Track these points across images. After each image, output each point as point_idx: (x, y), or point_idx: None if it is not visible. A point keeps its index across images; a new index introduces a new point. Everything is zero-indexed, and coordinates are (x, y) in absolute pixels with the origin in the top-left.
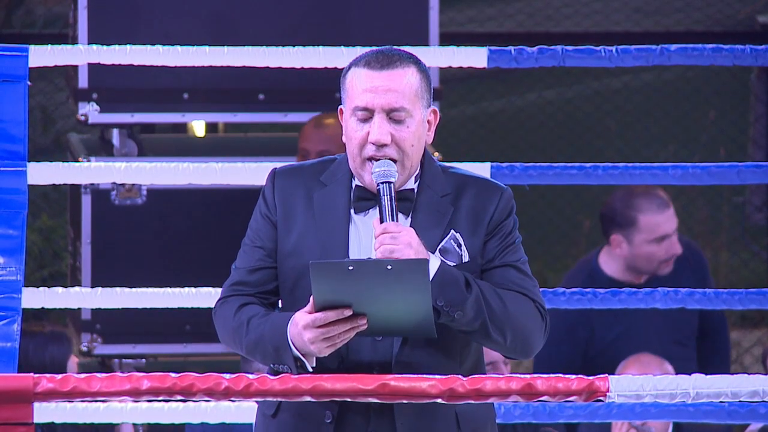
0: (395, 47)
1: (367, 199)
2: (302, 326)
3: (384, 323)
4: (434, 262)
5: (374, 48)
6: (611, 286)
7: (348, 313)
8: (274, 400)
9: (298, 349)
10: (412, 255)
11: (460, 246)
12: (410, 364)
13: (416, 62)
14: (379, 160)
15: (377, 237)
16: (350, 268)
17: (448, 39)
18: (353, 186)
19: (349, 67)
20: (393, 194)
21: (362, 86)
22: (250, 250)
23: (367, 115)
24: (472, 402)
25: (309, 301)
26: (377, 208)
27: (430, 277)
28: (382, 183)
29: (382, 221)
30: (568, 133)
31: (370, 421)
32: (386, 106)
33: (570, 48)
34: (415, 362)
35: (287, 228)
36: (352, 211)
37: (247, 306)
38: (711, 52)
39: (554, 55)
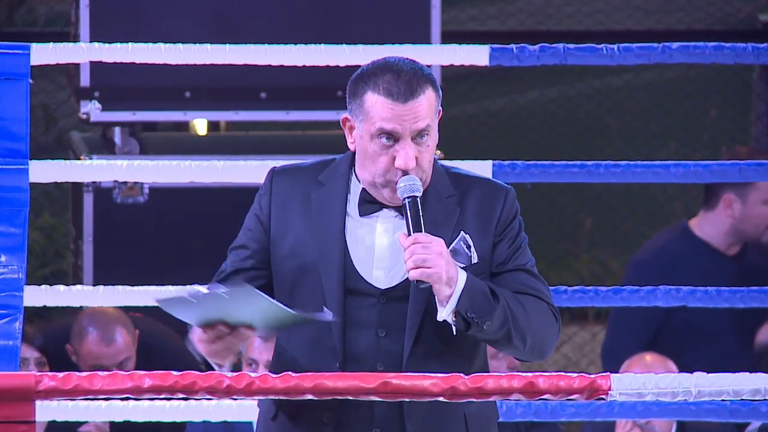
0: (406, 59)
1: (371, 202)
2: (196, 341)
3: (269, 325)
4: (462, 275)
5: (385, 62)
6: (706, 251)
7: (224, 330)
8: (274, 402)
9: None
10: (443, 265)
11: (469, 247)
12: (420, 369)
13: (429, 79)
14: None
15: (407, 248)
16: (193, 300)
17: (449, 37)
18: (359, 188)
19: (364, 87)
20: (420, 208)
21: (386, 114)
22: (235, 249)
23: (391, 138)
24: (478, 402)
25: (308, 302)
26: (405, 221)
27: (458, 293)
28: (408, 197)
29: (409, 234)
30: (569, 131)
31: (374, 420)
32: (414, 129)
33: (572, 46)
34: (425, 368)
35: (283, 229)
36: (350, 208)
37: None
38: (713, 51)
39: (556, 54)
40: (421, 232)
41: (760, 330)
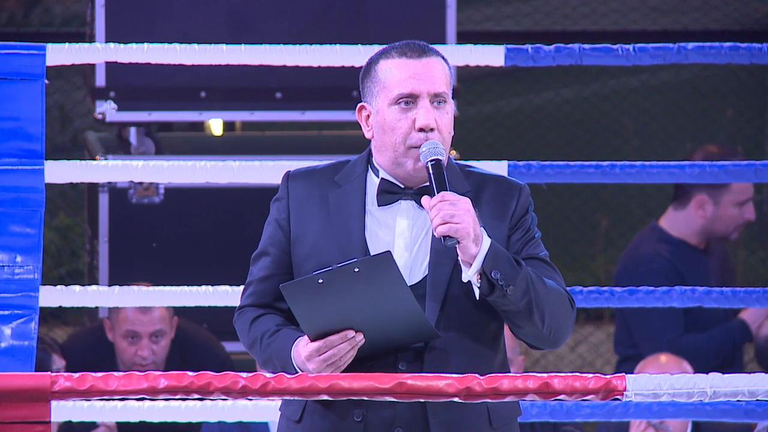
0: (420, 42)
1: (392, 192)
2: (305, 357)
3: (380, 334)
4: (486, 238)
5: (396, 43)
6: (683, 247)
7: (351, 334)
8: (299, 404)
9: (302, 372)
10: (471, 221)
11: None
12: (445, 350)
13: (441, 54)
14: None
15: (434, 206)
16: (320, 281)
17: (465, 37)
18: (377, 180)
19: (376, 60)
20: (443, 170)
21: (403, 74)
22: (258, 257)
23: (410, 101)
24: None
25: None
26: (429, 184)
27: (485, 251)
28: (431, 160)
29: (433, 196)
30: (585, 131)
31: (398, 417)
32: (431, 90)
33: (587, 46)
34: (450, 349)
35: (302, 231)
36: (370, 206)
37: (259, 319)
38: (728, 51)
39: (571, 54)
40: (447, 191)
41: (762, 325)
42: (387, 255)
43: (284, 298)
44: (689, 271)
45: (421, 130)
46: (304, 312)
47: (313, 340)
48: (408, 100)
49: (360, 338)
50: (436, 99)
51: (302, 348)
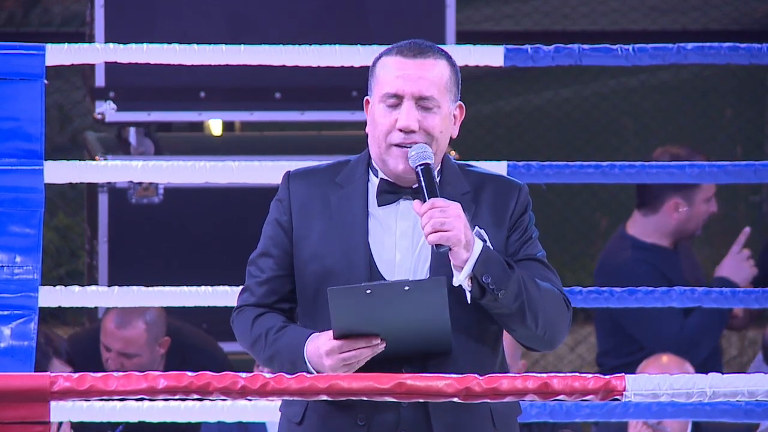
0: (426, 41)
1: (391, 192)
2: (324, 352)
3: (401, 343)
4: (478, 242)
5: (404, 41)
6: (656, 251)
7: (377, 342)
8: (301, 406)
9: (313, 367)
10: (462, 227)
11: (485, 242)
12: (444, 367)
13: (447, 56)
14: (405, 146)
15: (424, 213)
16: (368, 291)
17: (464, 37)
18: (377, 180)
19: (380, 56)
20: (433, 174)
21: (393, 73)
22: (259, 258)
23: (396, 101)
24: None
25: (329, 311)
26: (419, 189)
27: (475, 256)
28: (421, 164)
29: (424, 201)
30: (584, 131)
31: (403, 420)
32: (416, 93)
33: (587, 46)
34: (454, 350)
35: (305, 232)
36: (371, 208)
37: (262, 317)
38: (728, 51)
39: (571, 54)
40: (437, 197)
41: None
42: (441, 281)
43: (286, 300)
44: (670, 273)
45: (400, 130)
46: (340, 314)
47: (336, 339)
48: (393, 100)
49: (382, 346)
50: (421, 101)
51: (323, 342)
